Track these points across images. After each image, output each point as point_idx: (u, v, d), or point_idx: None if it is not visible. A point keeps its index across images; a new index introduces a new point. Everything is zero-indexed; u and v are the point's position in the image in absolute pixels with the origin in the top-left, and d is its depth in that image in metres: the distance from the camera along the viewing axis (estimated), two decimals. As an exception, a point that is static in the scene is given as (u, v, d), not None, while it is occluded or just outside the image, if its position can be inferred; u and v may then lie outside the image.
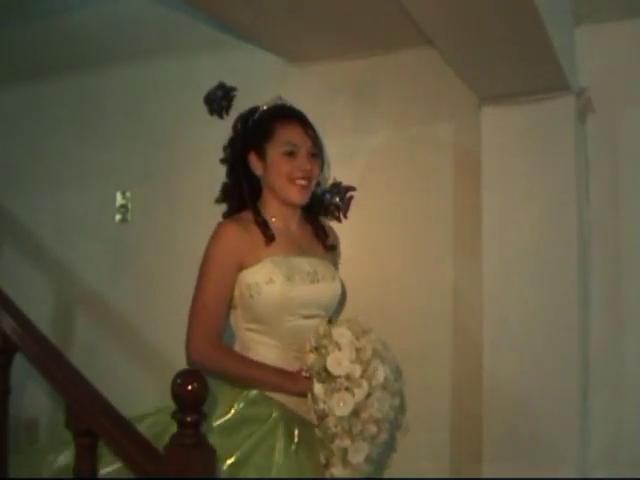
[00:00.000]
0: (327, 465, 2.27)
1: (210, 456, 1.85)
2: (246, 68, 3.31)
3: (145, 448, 1.95)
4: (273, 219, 2.52)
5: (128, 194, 3.56)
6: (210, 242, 2.47)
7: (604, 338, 2.68)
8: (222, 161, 2.65)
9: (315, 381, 2.23)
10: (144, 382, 3.33)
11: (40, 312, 3.11)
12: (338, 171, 3.09)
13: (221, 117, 3.35)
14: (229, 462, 2.24)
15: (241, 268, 2.42)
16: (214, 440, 2.14)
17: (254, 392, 2.35)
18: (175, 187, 3.47)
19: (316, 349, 2.27)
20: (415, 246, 2.98)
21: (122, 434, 1.98)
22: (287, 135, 2.50)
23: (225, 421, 2.33)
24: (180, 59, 3.45)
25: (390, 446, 2.54)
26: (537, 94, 2.63)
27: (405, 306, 2.94)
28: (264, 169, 2.52)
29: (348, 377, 2.20)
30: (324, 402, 2.20)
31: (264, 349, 2.39)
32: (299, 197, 2.51)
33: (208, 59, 3.39)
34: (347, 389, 2.20)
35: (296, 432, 2.32)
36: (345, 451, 2.23)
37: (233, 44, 3.24)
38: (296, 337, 2.36)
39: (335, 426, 2.20)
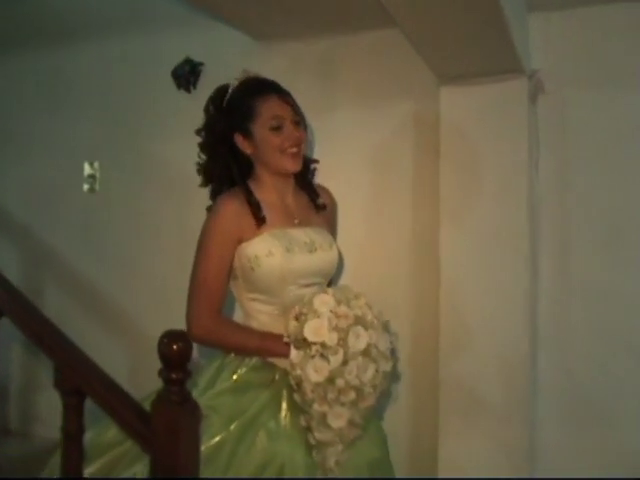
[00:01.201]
0: (309, 428, 2.27)
1: (195, 412, 1.92)
2: (213, 44, 3.38)
3: (132, 405, 2.04)
4: (268, 194, 2.51)
5: (96, 164, 3.65)
6: (209, 217, 2.48)
7: (552, 302, 2.84)
8: (200, 145, 2.61)
9: (292, 347, 2.24)
10: (113, 348, 3.43)
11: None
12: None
13: (188, 91, 3.43)
14: (235, 424, 2.28)
15: (240, 241, 2.43)
16: (219, 402, 2.30)
17: (255, 359, 2.38)
18: (142, 158, 3.56)
19: (298, 316, 2.28)
20: (375, 217, 3.11)
21: (110, 393, 2.06)
22: (270, 110, 2.48)
23: (228, 385, 2.37)
24: (148, 34, 3.49)
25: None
26: (493, 75, 2.73)
27: (365, 272, 3.06)
28: (253, 147, 2.50)
29: (324, 344, 2.19)
30: (300, 368, 2.21)
31: (266, 317, 2.42)
32: (294, 165, 2.50)
33: (176, 35, 3.44)
34: (322, 356, 2.19)
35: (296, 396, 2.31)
36: (324, 415, 2.23)
37: (201, 21, 3.29)
38: (295, 305, 2.34)
39: (312, 392, 2.20)
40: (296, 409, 2.29)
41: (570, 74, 2.86)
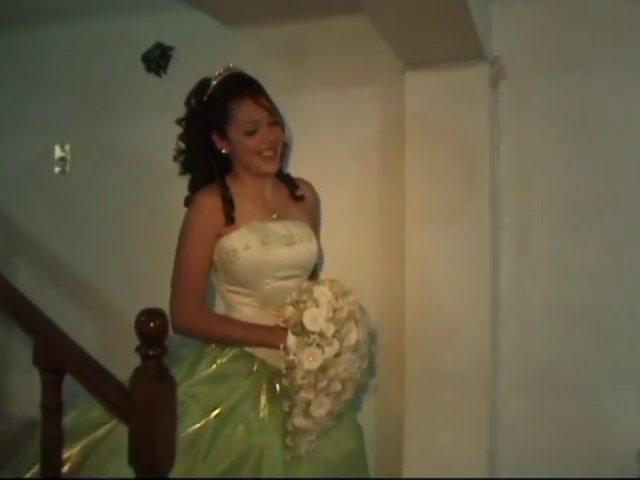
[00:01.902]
0: (290, 414, 2.28)
1: (172, 386, 1.98)
2: (184, 29, 3.42)
3: (111, 381, 2.11)
4: (246, 189, 2.54)
5: (67, 147, 3.67)
6: (189, 211, 2.51)
7: (513, 278, 2.95)
8: (180, 137, 2.63)
9: (290, 333, 2.26)
10: (85, 326, 3.41)
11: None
12: None
13: (159, 75, 3.47)
14: (215, 413, 2.31)
15: (219, 235, 2.46)
16: (199, 390, 2.34)
17: (235, 349, 2.41)
18: (112, 141, 3.59)
19: (296, 303, 2.30)
20: (343, 199, 3.16)
21: (90, 369, 2.13)
22: (244, 115, 2.48)
23: (208, 374, 2.40)
24: (119, 18, 3.52)
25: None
26: (456, 61, 2.82)
27: (333, 254, 3.06)
28: (230, 147, 2.52)
29: (321, 334, 2.22)
30: (295, 354, 2.23)
31: (246, 309, 2.45)
32: (270, 167, 2.53)
33: (147, 19, 3.47)
34: (318, 345, 2.22)
35: (277, 386, 2.34)
36: (308, 403, 2.25)
37: (172, 5, 3.32)
38: (275, 297, 2.41)
39: (302, 378, 2.22)
40: (275, 401, 2.33)
41: (531, 60, 2.96)
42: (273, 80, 3.20)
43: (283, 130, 2.59)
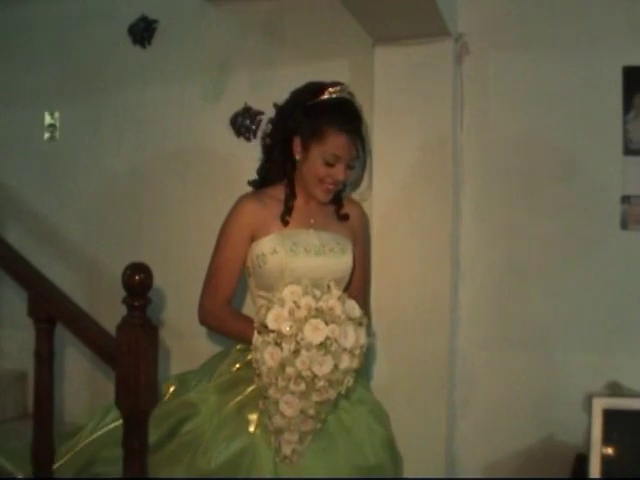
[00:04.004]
0: (268, 414, 2.33)
1: (154, 334, 2.19)
2: (168, 3, 3.57)
3: (99, 329, 2.33)
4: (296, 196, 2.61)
5: (56, 114, 3.80)
6: (228, 215, 2.60)
7: (473, 241, 3.06)
8: (270, 120, 2.71)
9: (255, 332, 2.31)
10: (70, 281, 3.49)
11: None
12: (249, 98, 3.40)
13: (143, 47, 3.60)
14: (220, 414, 2.43)
15: (253, 239, 2.55)
16: (210, 397, 2.49)
17: (250, 356, 2.41)
18: (100, 109, 3.73)
19: (268, 302, 2.34)
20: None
21: (80, 319, 2.35)
22: (333, 147, 2.52)
23: (222, 381, 2.52)
24: (106, -8, 3.64)
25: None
26: (422, 38, 2.92)
27: None
28: (303, 158, 2.57)
29: (280, 333, 2.24)
30: (259, 352, 2.27)
31: None
32: (323, 198, 2.61)
33: (132, -8, 3.59)
34: (277, 344, 2.24)
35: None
36: (277, 402, 2.28)
37: (156, -18, 3.45)
38: None
39: (267, 376, 2.26)
40: None
41: (493, 37, 3.04)
42: (250, 53, 3.37)
43: (364, 167, 2.71)
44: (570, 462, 2.71)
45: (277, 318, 2.26)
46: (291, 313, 2.26)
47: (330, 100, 2.56)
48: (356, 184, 2.91)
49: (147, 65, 3.57)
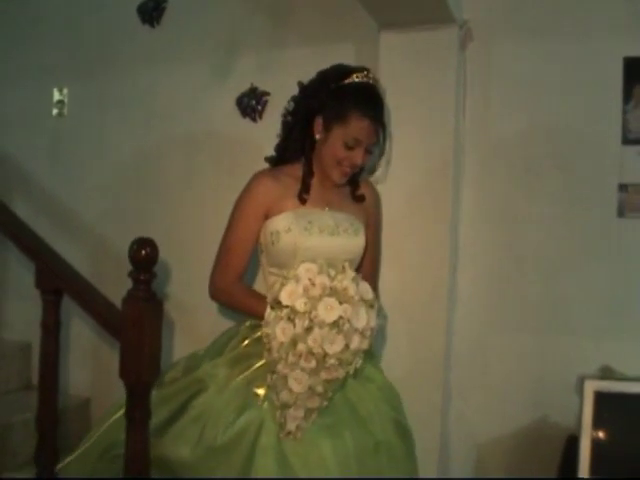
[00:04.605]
0: (274, 389, 2.35)
1: (158, 307, 2.23)
2: (176, -18, 3.58)
3: (104, 301, 2.39)
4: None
5: (65, 91, 3.84)
6: (243, 190, 2.59)
7: (472, 227, 3.10)
8: (293, 98, 2.68)
9: (268, 307, 2.32)
10: (76, 255, 3.44)
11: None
12: (255, 78, 3.42)
13: (152, 26, 3.63)
14: (228, 389, 2.43)
15: (267, 217, 2.55)
16: (219, 371, 2.49)
17: (259, 333, 2.45)
18: (108, 87, 3.76)
19: (284, 279, 2.35)
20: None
21: (86, 291, 2.40)
22: (355, 130, 2.53)
23: (232, 356, 2.53)
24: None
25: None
26: (427, 24, 2.94)
27: None
28: (323, 139, 2.57)
29: (293, 309, 2.26)
30: (270, 327, 2.30)
31: None
32: (339, 180, 2.61)
33: (141, -28, 3.62)
34: (289, 319, 2.26)
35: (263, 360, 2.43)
36: (285, 378, 2.30)
37: (164, -38, 3.48)
38: None
39: (277, 351, 2.28)
40: None
41: (497, 25, 3.06)
42: (257, 33, 3.40)
43: (383, 151, 2.73)
44: (563, 443, 2.76)
45: (291, 294, 2.28)
46: (306, 290, 2.28)
47: (356, 84, 2.56)
48: (372, 169, 2.92)
49: (155, 44, 3.60)
